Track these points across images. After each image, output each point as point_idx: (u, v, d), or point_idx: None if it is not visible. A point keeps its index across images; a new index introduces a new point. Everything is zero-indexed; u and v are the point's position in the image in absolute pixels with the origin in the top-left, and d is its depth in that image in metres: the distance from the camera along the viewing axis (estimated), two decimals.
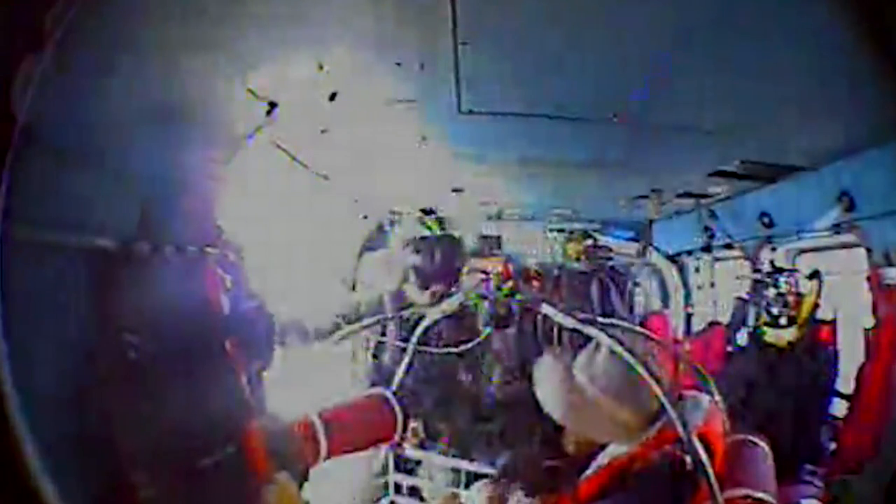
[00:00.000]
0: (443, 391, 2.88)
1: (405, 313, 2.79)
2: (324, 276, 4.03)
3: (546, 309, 1.71)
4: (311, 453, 1.73)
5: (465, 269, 3.30)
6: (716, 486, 1.21)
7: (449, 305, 2.45)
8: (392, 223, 4.25)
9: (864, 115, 1.66)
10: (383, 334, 3.04)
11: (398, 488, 2.51)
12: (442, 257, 3.13)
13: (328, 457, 1.77)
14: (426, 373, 2.77)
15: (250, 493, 1.48)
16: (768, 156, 2.32)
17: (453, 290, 3.03)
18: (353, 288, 4.15)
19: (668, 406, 1.29)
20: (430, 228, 4.08)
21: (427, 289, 3.04)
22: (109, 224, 1.18)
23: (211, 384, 1.53)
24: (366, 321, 2.81)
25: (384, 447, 2.39)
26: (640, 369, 1.35)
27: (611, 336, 1.43)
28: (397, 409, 1.95)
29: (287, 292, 3.06)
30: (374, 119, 1.99)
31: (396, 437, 2.03)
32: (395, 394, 1.97)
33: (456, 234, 3.95)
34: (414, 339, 2.22)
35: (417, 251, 3.15)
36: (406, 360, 2.14)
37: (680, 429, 1.26)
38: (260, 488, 1.50)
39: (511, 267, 4.15)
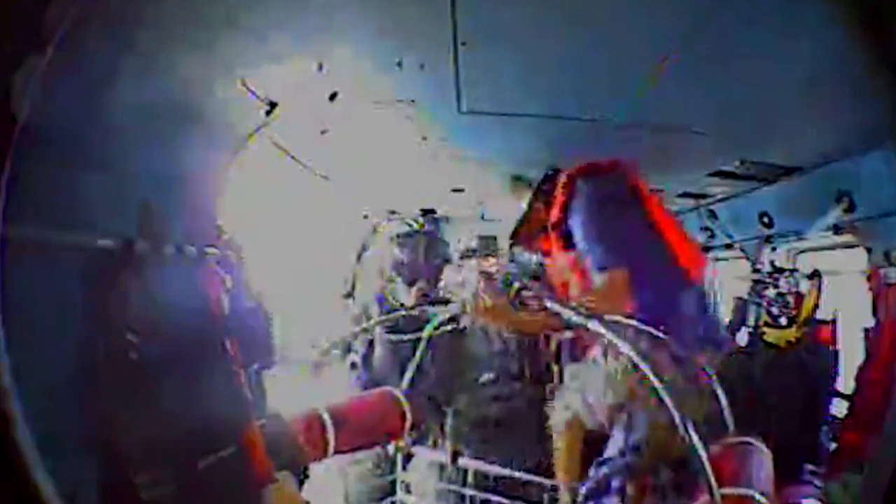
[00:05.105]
0: (439, 388, 2.89)
1: (402, 314, 2.80)
2: (324, 278, 4.03)
3: (553, 305, 1.71)
4: (320, 447, 1.74)
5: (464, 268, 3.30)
6: (712, 478, 1.22)
7: (454, 307, 2.46)
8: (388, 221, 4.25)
9: (863, 116, 1.66)
10: (371, 340, 3.06)
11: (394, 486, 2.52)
12: (425, 252, 3.14)
13: (336, 451, 1.78)
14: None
15: (250, 492, 1.48)
16: (768, 156, 2.32)
17: (437, 285, 3.05)
18: (353, 288, 4.15)
19: (666, 399, 1.29)
20: (409, 225, 4.08)
21: (412, 284, 3.05)
22: (110, 224, 1.18)
23: (211, 384, 1.53)
24: (355, 329, 2.83)
25: (391, 446, 2.40)
26: (642, 363, 1.35)
27: (615, 332, 1.44)
28: (406, 407, 1.96)
29: (288, 294, 3.07)
30: (374, 119, 1.99)
31: (405, 436, 2.04)
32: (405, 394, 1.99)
33: (433, 229, 3.96)
34: (424, 337, 2.23)
35: (401, 247, 3.16)
36: (416, 360, 2.15)
37: (678, 421, 1.26)
38: (260, 488, 1.50)
39: (516, 266, 4.15)
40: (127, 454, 1.15)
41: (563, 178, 2.04)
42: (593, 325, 1.53)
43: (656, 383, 1.33)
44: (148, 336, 1.22)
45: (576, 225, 1.90)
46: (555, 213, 1.99)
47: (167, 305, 1.35)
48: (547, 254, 2.14)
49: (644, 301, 1.71)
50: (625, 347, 1.40)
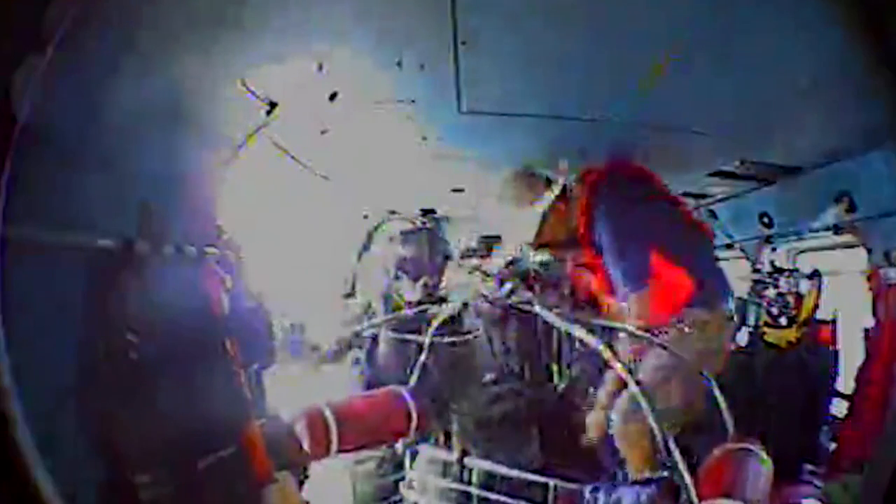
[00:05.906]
0: (443, 389, 2.89)
1: (406, 314, 2.80)
2: (323, 278, 4.03)
3: (538, 310, 1.72)
4: (323, 445, 1.73)
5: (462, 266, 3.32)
6: (692, 491, 1.21)
7: (453, 306, 2.46)
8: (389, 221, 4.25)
9: (863, 116, 1.66)
10: (374, 337, 3.06)
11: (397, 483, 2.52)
12: (428, 247, 3.15)
13: (340, 450, 1.77)
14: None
15: (250, 492, 1.48)
16: (768, 156, 2.32)
17: (440, 282, 3.06)
18: (354, 288, 4.15)
19: (646, 409, 1.29)
20: (412, 223, 4.08)
21: (417, 280, 3.05)
22: (110, 224, 1.18)
23: (211, 384, 1.53)
24: (359, 328, 2.84)
25: (399, 445, 2.40)
26: (623, 373, 1.35)
27: (601, 338, 1.45)
28: (412, 406, 1.95)
29: (288, 294, 3.08)
30: (374, 119, 1.99)
31: (411, 435, 2.04)
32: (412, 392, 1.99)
33: (435, 226, 3.97)
34: (428, 338, 2.23)
35: (404, 243, 3.16)
36: (422, 357, 2.15)
37: (657, 433, 1.26)
38: (260, 488, 1.50)
39: (512, 268, 4.14)
40: (127, 454, 1.15)
41: (588, 180, 2.04)
42: (577, 332, 1.54)
43: (633, 387, 1.33)
44: (148, 336, 1.22)
45: (601, 228, 1.92)
46: (581, 221, 2.01)
47: (167, 305, 1.35)
48: (586, 266, 2.17)
49: (699, 278, 1.87)
50: (609, 356, 1.41)
